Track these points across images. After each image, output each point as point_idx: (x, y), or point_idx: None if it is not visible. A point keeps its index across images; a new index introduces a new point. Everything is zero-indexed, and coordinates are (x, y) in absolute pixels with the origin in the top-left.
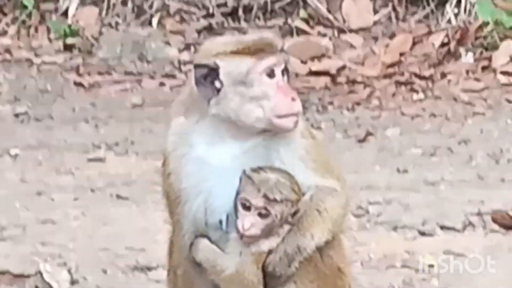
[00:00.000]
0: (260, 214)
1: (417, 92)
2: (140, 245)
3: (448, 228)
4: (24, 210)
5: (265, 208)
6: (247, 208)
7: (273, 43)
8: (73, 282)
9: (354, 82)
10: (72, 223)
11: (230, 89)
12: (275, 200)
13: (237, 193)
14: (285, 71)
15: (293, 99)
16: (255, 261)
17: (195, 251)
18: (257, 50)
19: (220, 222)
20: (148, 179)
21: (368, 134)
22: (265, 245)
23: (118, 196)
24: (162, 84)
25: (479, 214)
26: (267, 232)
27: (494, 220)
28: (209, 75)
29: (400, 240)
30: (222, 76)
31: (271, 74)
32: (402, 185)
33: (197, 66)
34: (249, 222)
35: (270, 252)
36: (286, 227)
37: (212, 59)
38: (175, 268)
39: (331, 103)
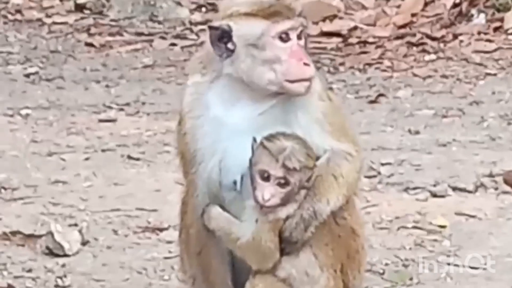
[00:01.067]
0: (279, 184)
1: (428, 53)
2: (151, 205)
3: (460, 190)
4: (35, 170)
5: (285, 178)
6: (266, 178)
7: (290, 6)
8: (84, 242)
9: (365, 43)
10: (83, 184)
11: (243, 50)
12: (294, 169)
13: (251, 163)
14: (302, 35)
15: (305, 64)
16: (272, 228)
17: (207, 220)
18: (272, 13)
19: (235, 182)
20: (159, 140)
21: (380, 95)
22: (283, 212)
23: (129, 157)
24: (173, 44)
25: (490, 175)
26: (286, 200)
27: (506, 182)
28: (223, 36)
29: (411, 201)
30: (235, 38)
31: (285, 38)
32: (413, 146)
33: (211, 28)
34: (269, 193)
35: (286, 218)
36: (303, 192)
37: (226, 21)
38: (187, 228)
39: (342, 64)
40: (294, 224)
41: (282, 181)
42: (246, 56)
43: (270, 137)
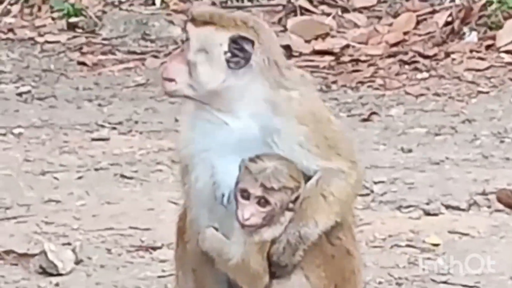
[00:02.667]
0: (259, 203)
1: (421, 71)
2: (144, 224)
3: (453, 208)
4: (28, 189)
5: (264, 197)
6: (246, 198)
7: (203, 15)
8: (77, 261)
9: (358, 61)
10: (76, 203)
11: None
12: (272, 189)
13: (237, 183)
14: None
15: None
16: (259, 251)
17: (201, 241)
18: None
19: (223, 196)
20: (152, 159)
21: (372, 113)
22: (268, 233)
23: (122, 176)
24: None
25: (484, 193)
26: (269, 220)
27: (499, 200)
28: None
29: (404, 219)
30: None
31: None
32: (406, 164)
33: None
34: (249, 212)
35: (274, 240)
36: (288, 214)
37: None
38: (184, 244)
39: (334, 82)
40: (281, 249)
41: (262, 200)
42: None
43: (254, 158)
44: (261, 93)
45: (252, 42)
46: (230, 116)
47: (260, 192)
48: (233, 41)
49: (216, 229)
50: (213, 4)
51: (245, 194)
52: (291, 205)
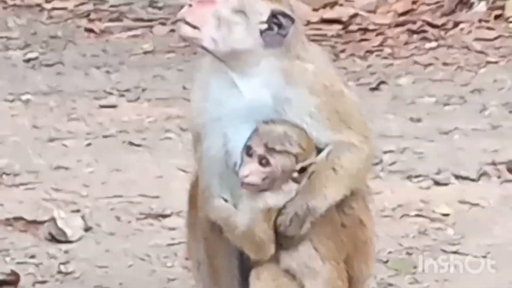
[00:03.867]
0: (261, 163)
1: (429, 40)
2: (153, 192)
3: (463, 178)
4: (36, 156)
5: (265, 157)
6: (249, 155)
7: None
8: (86, 229)
9: (366, 30)
10: (85, 170)
11: None
12: (273, 150)
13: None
14: None
15: (189, 5)
16: (264, 218)
17: (210, 211)
18: None
19: (235, 165)
20: (161, 126)
21: (381, 82)
22: (272, 200)
23: (131, 143)
24: (173, 30)
25: (493, 163)
26: (270, 184)
27: (509, 170)
28: None
29: (414, 189)
30: None
31: None
32: (415, 134)
33: None
34: (249, 169)
35: (281, 212)
36: (293, 185)
37: None
38: (196, 212)
39: (343, 51)
40: (288, 220)
41: (264, 160)
42: None
43: (267, 120)
44: (277, 62)
45: (292, 20)
46: (243, 81)
47: (262, 151)
48: (273, 15)
49: (226, 200)
50: None
51: (250, 152)
52: (295, 175)
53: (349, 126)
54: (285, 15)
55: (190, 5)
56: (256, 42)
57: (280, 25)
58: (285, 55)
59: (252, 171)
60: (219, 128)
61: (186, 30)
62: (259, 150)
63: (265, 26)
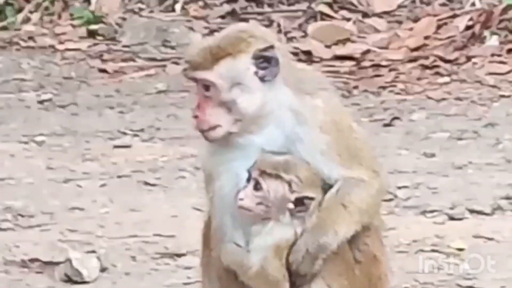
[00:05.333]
0: (255, 187)
1: (442, 75)
2: (168, 231)
3: (477, 212)
4: (51, 197)
5: (258, 181)
6: (247, 180)
7: (200, 59)
8: (102, 269)
9: (379, 66)
10: (100, 210)
11: None
12: (265, 172)
13: None
14: (212, 86)
15: (195, 117)
16: (275, 255)
17: (223, 256)
18: (187, 61)
19: None
20: (175, 165)
21: (394, 118)
22: (277, 233)
23: (145, 183)
24: (186, 70)
25: (507, 197)
26: (265, 212)
27: None
28: None
29: (429, 224)
30: None
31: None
32: (429, 169)
33: None
34: (244, 193)
35: (291, 249)
36: (292, 219)
37: None
38: (209, 251)
39: (356, 87)
40: (300, 257)
41: (258, 185)
42: None
43: (275, 151)
44: (286, 101)
45: (271, 47)
46: (257, 130)
47: (256, 174)
48: (256, 58)
49: (238, 246)
50: (233, 11)
51: (248, 177)
52: (290, 205)
53: (359, 161)
54: (264, 49)
55: (196, 116)
56: (263, 91)
57: (267, 59)
58: (291, 93)
59: (246, 195)
60: (231, 168)
61: (212, 134)
62: (254, 173)
63: (260, 72)
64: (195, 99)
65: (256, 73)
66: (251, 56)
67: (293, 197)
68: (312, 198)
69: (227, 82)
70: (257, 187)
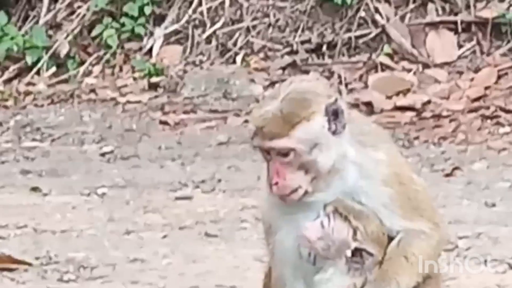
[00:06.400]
0: (322, 224)
1: (503, 125)
2: (230, 282)
3: None
4: (113, 249)
5: (328, 216)
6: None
7: (275, 128)
8: None
9: (439, 116)
10: (162, 262)
11: None
12: (337, 211)
13: None
14: (290, 152)
15: (273, 184)
16: None
17: None
18: (257, 130)
19: (309, 254)
20: (236, 217)
21: (455, 168)
22: (337, 279)
23: (207, 234)
24: (247, 121)
25: None
26: (324, 251)
27: None
28: None
29: (490, 274)
30: None
31: (265, 154)
32: (490, 218)
33: None
34: (310, 224)
35: None
36: (355, 272)
37: None
38: None
39: (417, 137)
40: None
41: (326, 223)
42: None
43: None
44: (351, 154)
45: (337, 100)
46: (325, 185)
47: (329, 210)
48: (327, 113)
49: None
50: (294, 63)
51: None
52: (348, 253)
53: (420, 213)
54: (332, 103)
55: (276, 183)
56: (336, 145)
57: (335, 112)
58: (354, 146)
59: (312, 226)
60: (292, 221)
61: (294, 197)
62: (327, 209)
63: (332, 126)
64: (269, 166)
65: (329, 129)
66: (323, 114)
67: (353, 245)
68: (371, 254)
69: (306, 145)
70: (323, 224)
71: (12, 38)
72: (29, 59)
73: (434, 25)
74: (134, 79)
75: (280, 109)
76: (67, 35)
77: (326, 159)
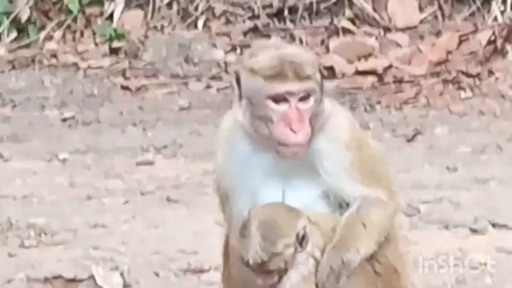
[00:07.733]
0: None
1: (464, 90)
2: (191, 247)
3: (500, 226)
4: (74, 214)
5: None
6: None
7: (298, 69)
8: (125, 285)
9: (401, 81)
10: (123, 227)
11: (245, 101)
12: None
13: None
14: (308, 98)
15: (293, 130)
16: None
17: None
18: (272, 74)
19: None
20: (198, 182)
21: (417, 133)
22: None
23: (168, 199)
24: (208, 86)
25: None
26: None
27: None
28: (238, 81)
29: (452, 238)
30: (242, 87)
31: (278, 100)
32: (452, 183)
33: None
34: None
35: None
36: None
37: (239, 68)
38: (229, 267)
39: (378, 102)
40: (325, 276)
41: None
42: (247, 108)
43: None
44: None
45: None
46: None
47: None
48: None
49: None
50: (255, 28)
51: None
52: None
53: (378, 180)
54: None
55: (294, 130)
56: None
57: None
58: (325, 109)
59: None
60: (248, 188)
61: (305, 150)
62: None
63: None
64: (286, 114)
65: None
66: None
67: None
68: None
69: (320, 94)
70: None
71: None
72: None
73: None
74: (95, 44)
75: (296, 53)
76: (28, 1)
77: (324, 113)
